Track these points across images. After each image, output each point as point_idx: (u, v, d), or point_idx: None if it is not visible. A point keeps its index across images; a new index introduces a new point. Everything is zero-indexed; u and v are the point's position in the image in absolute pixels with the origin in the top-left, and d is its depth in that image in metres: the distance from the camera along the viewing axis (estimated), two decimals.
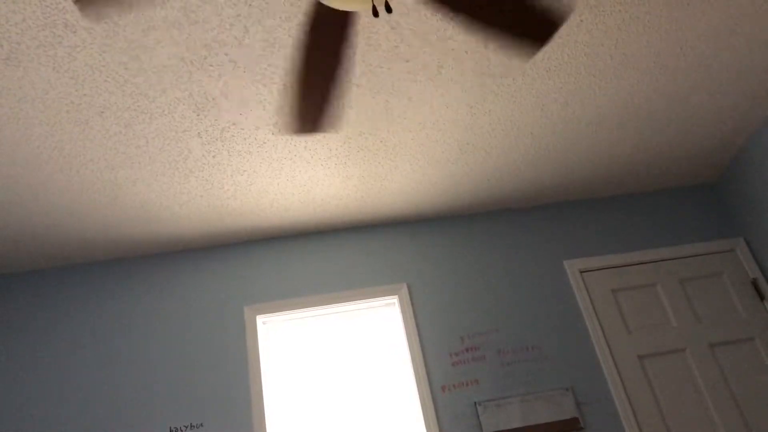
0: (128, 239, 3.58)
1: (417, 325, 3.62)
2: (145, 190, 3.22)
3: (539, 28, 2.08)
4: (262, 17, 2.42)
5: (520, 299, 3.75)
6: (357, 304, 3.69)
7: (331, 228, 3.90)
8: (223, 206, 3.47)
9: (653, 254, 3.97)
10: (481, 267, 3.85)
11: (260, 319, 3.60)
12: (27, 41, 2.30)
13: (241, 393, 3.36)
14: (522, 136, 3.46)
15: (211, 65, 2.58)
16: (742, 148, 4.02)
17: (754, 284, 3.91)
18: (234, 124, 2.92)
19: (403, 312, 3.64)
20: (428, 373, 3.48)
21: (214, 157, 3.10)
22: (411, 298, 3.71)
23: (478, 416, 3.36)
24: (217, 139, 2.99)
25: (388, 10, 1.59)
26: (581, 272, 3.89)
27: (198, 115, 2.83)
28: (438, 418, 3.35)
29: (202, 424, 3.27)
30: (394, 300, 3.73)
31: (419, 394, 3.40)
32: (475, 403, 3.41)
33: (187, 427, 3.26)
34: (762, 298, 3.87)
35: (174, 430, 3.26)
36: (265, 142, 3.08)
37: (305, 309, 3.63)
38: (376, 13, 1.61)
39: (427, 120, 3.18)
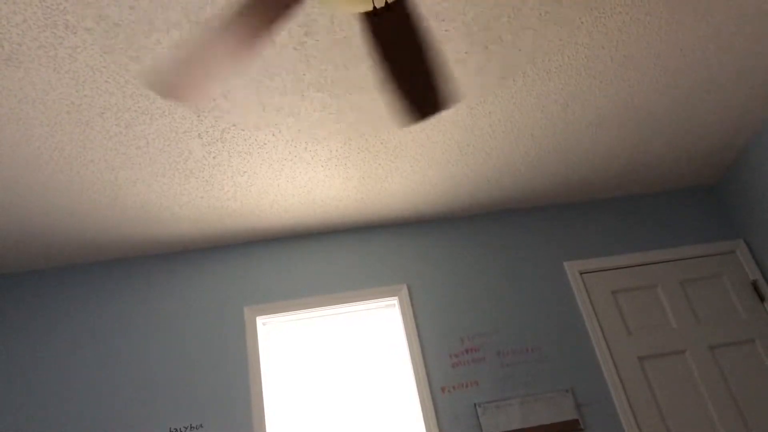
0: (128, 240, 3.58)
1: (417, 326, 3.63)
2: (145, 190, 3.22)
3: (427, 104, 2.17)
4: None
5: (520, 300, 3.75)
6: (357, 305, 3.69)
7: (331, 229, 3.90)
8: (224, 207, 3.47)
9: (653, 256, 3.97)
10: (481, 268, 3.85)
11: (260, 320, 3.60)
12: (28, 42, 2.30)
13: (241, 394, 3.36)
14: (522, 138, 3.46)
15: (221, 76, 2.57)
16: (743, 149, 4.02)
17: (754, 286, 3.91)
18: (234, 125, 2.92)
19: (403, 313, 3.64)
20: (428, 374, 3.48)
21: (214, 158, 3.10)
22: (411, 299, 3.71)
23: (477, 417, 3.36)
24: (217, 140, 2.99)
25: (388, 11, 1.59)
26: (581, 273, 3.89)
27: (198, 116, 2.83)
28: (438, 419, 3.35)
29: (201, 425, 3.27)
30: (394, 301, 3.73)
31: (419, 395, 3.40)
32: (474, 404, 3.41)
33: (186, 428, 3.26)
34: (762, 299, 3.87)
35: (174, 430, 3.26)
36: (265, 143, 3.08)
37: (305, 310, 3.63)
38: (376, 14, 1.61)
39: (427, 122, 3.18)
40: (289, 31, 2.50)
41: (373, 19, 1.82)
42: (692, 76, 3.28)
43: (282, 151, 3.16)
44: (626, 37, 2.92)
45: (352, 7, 1.70)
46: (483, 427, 3.33)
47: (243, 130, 2.97)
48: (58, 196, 3.13)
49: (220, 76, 2.00)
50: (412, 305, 3.69)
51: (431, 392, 3.43)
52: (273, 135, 3.04)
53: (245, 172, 3.24)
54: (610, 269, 3.92)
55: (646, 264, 3.96)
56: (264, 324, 3.63)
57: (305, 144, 3.15)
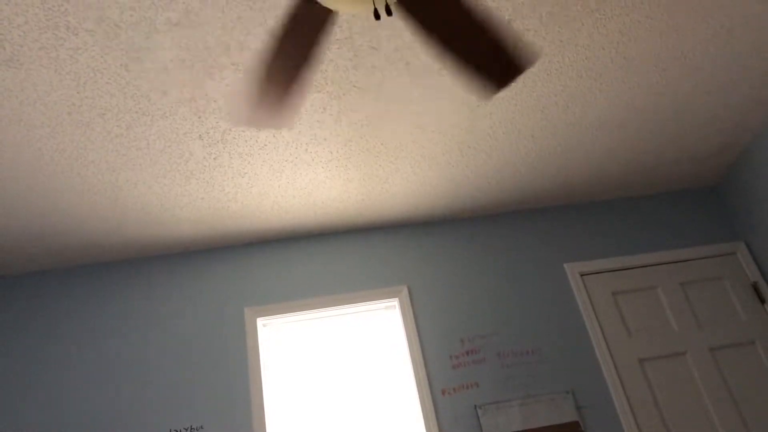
0: (129, 241, 3.58)
1: (417, 327, 3.62)
2: (146, 192, 3.22)
3: (505, 70, 2.11)
4: (264, 20, 2.42)
5: (521, 302, 3.75)
6: (357, 306, 3.69)
7: (331, 230, 3.90)
8: (224, 208, 3.48)
9: (654, 257, 3.97)
10: (481, 270, 3.85)
11: (261, 321, 3.60)
12: (29, 43, 2.30)
13: (241, 395, 3.36)
14: (522, 139, 3.46)
15: (213, 67, 2.58)
16: (743, 151, 4.02)
17: (755, 288, 3.91)
18: (235, 126, 2.92)
19: (404, 314, 3.64)
20: (428, 376, 3.48)
21: (215, 159, 3.10)
22: (411, 301, 3.71)
23: (478, 419, 3.36)
24: (218, 142, 3.00)
25: (389, 13, 1.60)
26: (582, 275, 3.89)
27: (199, 118, 2.83)
28: (438, 420, 3.35)
29: (202, 427, 3.27)
30: (394, 302, 3.73)
31: (419, 396, 3.39)
32: (475, 406, 3.40)
33: (187, 429, 3.26)
34: (762, 301, 3.87)
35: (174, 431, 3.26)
36: (266, 145, 3.08)
37: (306, 311, 3.63)
38: (377, 16, 1.61)
39: (428, 122, 3.19)
40: None
41: (382, 15, 1.82)
42: (692, 78, 3.28)
43: (283, 152, 3.16)
44: (627, 38, 2.93)
45: (352, 7, 1.70)
46: (483, 428, 3.33)
47: (244, 132, 2.97)
48: (58, 198, 3.13)
49: (293, 93, 2.04)
50: (413, 306, 3.69)
51: (431, 394, 3.43)
52: (274, 136, 3.04)
53: (246, 173, 3.24)
54: (610, 271, 3.92)
55: (647, 266, 3.96)
56: (264, 325, 3.63)
57: (306, 145, 3.15)
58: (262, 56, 2.01)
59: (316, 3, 1.79)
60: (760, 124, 3.80)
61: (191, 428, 3.27)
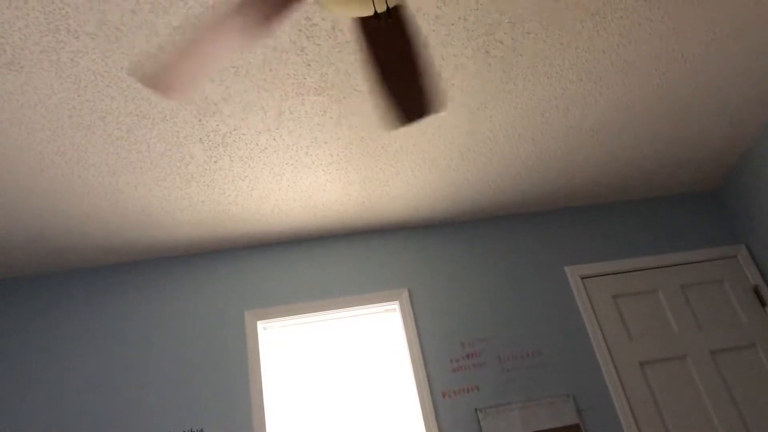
0: (129, 244, 3.58)
1: (418, 330, 3.62)
2: (146, 195, 3.22)
3: (416, 107, 2.20)
4: None
5: (521, 305, 3.75)
6: (358, 309, 3.69)
7: (332, 233, 3.90)
8: (225, 211, 3.48)
9: (654, 260, 3.97)
10: (482, 273, 3.85)
11: (261, 325, 3.60)
12: (30, 46, 2.31)
13: (241, 398, 3.36)
14: (523, 142, 3.47)
15: (213, 71, 2.58)
16: (744, 154, 4.02)
17: (756, 291, 3.91)
18: (236, 129, 2.93)
19: (404, 317, 3.64)
20: (429, 379, 3.47)
21: (215, 162, 3.10)
22: (412, 304, 3.71)
23: (478, 422, 3.35)
24: (218, 145, 3.00)
25: (390, 16, 1.60)
26: (582, 278, 3.88)
27: (200, 121, 2.83)
28: (438, 424, 3.35)
29: (202, 430, 3.27)
30: (395, 305, 3.73)
31: (420, 399, 3.39)
32: (475, 409, 3.40)
33: None
34: (763, 304, 3.86)
35: None
36: (266, 148, 3.09)
37: (306, 314, 3.63)
38: (378, 19, 1.61)
39: (429, 126, 3.19)
40: (290, 36, 2.51)
41: (372, 22, 1.83)
42: (693, 81, 3.29)
43: (283, 155, 3.16)
44: (627, 41, 2.93)
45: (353, 11, 1.71)
46: (484, 431, 3.33)
47: (244, 135, 2.98)
48: (59, 200, 3.13)
49: (211, 69, 2.03)
50: (413, 310, 3.69)
51: (432, 397, 3.42)
52: (274, 139, 3.05)
53: (246, 176, 3.24)
54: (611, 274, 3.92)
55: (647, 269, 3.95)
56: (265, 328, 3.63)
57: (306, 148, 3.16)
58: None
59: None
60: (760, 128, 3.80)
61: (191, 431, 3.26)
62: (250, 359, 3.46)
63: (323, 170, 3.33)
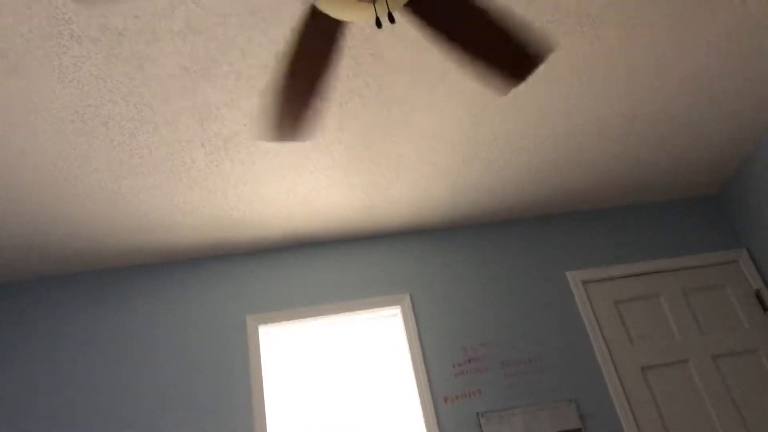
0: (131, 249, 3.58)
1: (419, 335, 3.62)
2: (148, 199, 3.23)
3: (520, 63, 2.10)
4: (266, 28, 2.43)
5: (523, 310, 3.75)
6: (359, 314, 3.68)
7: (333, 238, 3.90)
8: (226, 216, 3.48)
9: (656, 265, 3.96)
10: (483, 278, 3.85)
11: (262, 329, 3.60)
12: (33, 51, 2.32)
13: (242, 403, 3.35)
14: (524, 148, 3.47)
15: (215, 75, 2.59)
16: (745, 158, 4.02)
17: (758, 295, 3.90)
18: (237, 134, 2.94)
19: (406, 322, 3.64)
20: (431, 384, 3.47)
21: (217, 167, 3.11)
22: (414, 309, 3.71)
23: (480, 427, 3.35)
24: (220, 149, 3.00)
25: (391, 20, 1.61)
26: (584, 283, 3.88)
27: (202, 125, 2.84)
28: (440, 429, 3.34)
29: None
30: (396, 310, 3.72)
31: (422, 404, 3.39)
32: (477, 414, 3.39)
33: None
34: (765, 309, 3.85)
35: None
36: (268, 152, 3.09)
37: (307, 319, 3.63)
38: (379, 24, 1.62)
39: (430, 131, 3.19)
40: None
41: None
42: (694, 86, 3.29)
43: (285, 160, 3.17)
44: (628, 47, 2.93)
45: (354, 16, 1.71)
46: None
47: (246, 140, 2.98)
48: (61, 205, 3.14)
49: (313, 105, 2.07)
50: (415, 314, 3.69)
51: (434, 402, 3.42)
52: (276, 144, 3.05)
53: (248, 181, 3.25)
54: (612, 279, 3.92)
55: (649, 273, 3.95)
56: (266, 333, 3.63)
57: (308, 153, 3.16)
58: (279, 74, 2.03)
59: (324, 15, 1.80)
60: (761, 132, 3.81)
61: None
62: (252, 364, 3.45)
63: (325, 175, 3.34)
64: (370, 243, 3.93)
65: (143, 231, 3.46)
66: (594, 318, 3.74)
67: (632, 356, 3.65)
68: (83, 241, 3.43)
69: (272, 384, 3.47)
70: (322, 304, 3.68)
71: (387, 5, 1.65)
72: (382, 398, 3.46)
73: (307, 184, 3.38)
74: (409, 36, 2.62)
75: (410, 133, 3.18)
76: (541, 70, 2.95)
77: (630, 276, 3.93)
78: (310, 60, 1.91)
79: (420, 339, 3.61)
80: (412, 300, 3.74)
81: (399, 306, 3.70)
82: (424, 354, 3.56)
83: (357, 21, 1.76)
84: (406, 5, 1.65)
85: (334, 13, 1.72)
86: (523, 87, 3.03)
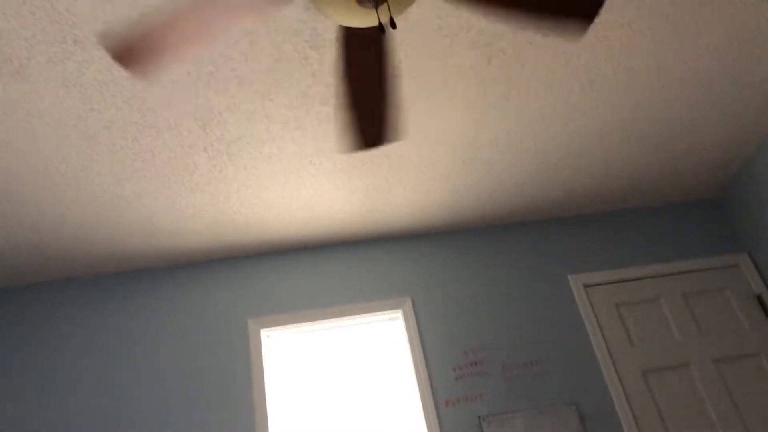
0: (134, 252, 3.59)
1: (421, 339, 3.62)
2: (151, 203, 3.24)
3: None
4: (269, 33, 2.44)
5: (524, 314, 3.75)
6: (361, 317, 3.69)
7: (335, 242, 3.91)
8: (229, 220, 3.49)
9: (657, 269, 3.97)
10: (485, 281, 3.85)
11: (264, 333, 3.61)
12: (37, 56, 2.33)
13: (244, 406, 3.36)
14: (525, 151, 3.48)
15: (218, 80, 2.60)
16: (746, 162, 4.03)
17: (759, 299, 3.90)
18: (240, 138, 2.94)
19: (407, 326, 3.64)
20: (432, 387, 3.47)
21: (220, 171, 3.12)
22: (415, 312, 3.71)
23: (482, 430, 3.35)
24: (223, 154, 3.01)
25: (393, 26, 1.62)
26: (585, 287, 3.88)
27: (204, 130, 2.85)
28: None
29: None
30: (398, 314, 3.73)
31: (423, 408, 3.39)
32: (478, 417, 3.40)
33: None
34: (766, 313, 3.86)
35: None
36: (270, 157, 3.10)
37: (309, 323, 3.63)
38: (382, 29, 1.63)
39: (431, 134, 3.20)
40: (294, 45, 2.53)
41: (358, 38, 1.84)
42: (695, 90, 3.30)
43: (287, 164, 3.18)
44: (628, 51, 2.94)
45: (357, 21, 1.72)
46: None
47: (248, 144, 2.99)
48: (64, 209, 3.15)
49: (387, 109, 2.06)
50: (416, 318, 3.69)
51: (435, 405, 3.42)
52: (278, 148, 3.06)
53: (250, 185, 3.26)
54: (613, 282, 3.92)
55: (650, 277, 3.95)
56: (268, 336, 3.63)
57: (310, 157, 3.17)
58: (343, 99, 2.04)
59: (361, 28, 1.80)
60: (762, 135, 3.81)
61: None
62: (254, 367, 3.46)
63: (327, 179, 3.35)
64: (372, 246, 3.93)
65: (146, 235, 3.47)
66: (595, 321, 3.74)
67: (633, 360, 3.65)
68: (85, 245, 3.44)
69: (274, 387, 3.48)
70: (323, 307, 3.69)
71: (389, 11, 1.66)
72: (383, 402, 3.46)
73: (309, 188, 3.39)
74: (410, 40, 2.63)
75: (411, 136, 3.19)
76: (541, 73, 2.96)
77: (631, 279, 3.94)
78: (362, 72, 1.92)
79: (421, 342, 3.61)
80: (413, 303, 3.74)
81: (400, 309, 3.71)
82: (425, 357, 3.56)
83: (360, 26, 1.77)
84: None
85: (337, 18, 1.73)
86: (523, 89, 3.04)
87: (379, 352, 3.62)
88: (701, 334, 3.78)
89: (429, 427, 3.33)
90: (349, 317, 3.67)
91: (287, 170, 3.22)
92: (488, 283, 3.85)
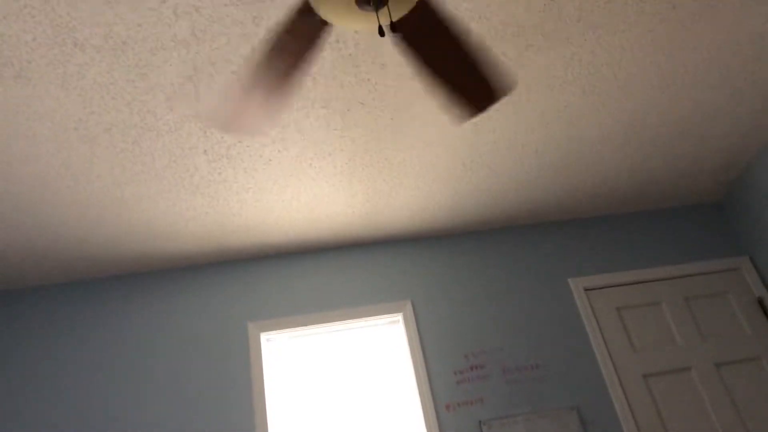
0: (134, 255, 3.59)
1: (421, 342, 3.62)
2: (151, 206, 3.23)
3: (482, 96, 2.17)
4: (270, 36, 2.44)
5: (525, 317, 3.74)
6: (361, 321, 3.68)
7: (335, 245, 3.90)
8: (229, 223, 3.49)
9: (658, 272, 3.96)
10: (485, 285, 3.85)
11: (264, 336, 3.60)
12: (37, 59, 2.33)
13: (244, 409, 3.35)
14: (526, 154, 3.47)
15: (218, 83, 2.60)
16: (748, 166, 4.02)
17: (760, 303, 3.89)
18: (240, 141, 2.94)
19: (408, 329, 3.63)
20: (432, 391, 3.46)
21: (220, 174, 3.11)
22: (415, 316, 3.70)
23: None
24: (223, 157, 3.01)
25: (393, 30, 1.61)
26: (586, 290, 3.88)
27: (204, 133, 2.85)
28: None
29: None
30: (398, 317, 3.72)
31: (423, 412, 3.38)
32: (479, 421, 3.39)
33: None
34: None
35: None
36: (270, 160, 3.10)
37: (309, 326, 3.62)
38: (382, 33, 1.63)
39: (432, 137, 3.20)
40: None
41: (405, 26, 1.85)
42: (696, 94, 3.29)
43: (287, 167, 3.18)
44: (630, 55, 2.94)
45: (357, 24, 1.72)
46: None
47: (248, 147, 2.99)
48: (64, 212, 3.14)
49: (271, 108, 2.07)
50: (417, 322, 3.69)
51: (435, 409, 3.41)
52: (278, 151, 3.06)
53: (250, 188, 3.25)
54: (614, 286, 3.91)
55: (651, 281, 3.95)
56: (268, 340, 3.63)
57: (310, 160, 3.17)
58: (252, 61, 2.06)
59: (315, 15, 1.81)
60: (764, 139, 3.81)
61: None
62: (253, 370, 3.45)
63: (327, 182, 3.34)
64: (372, 250, 3.93)
65: (145, 238, 3.46)
66: (596, 325, 3.73)
67: (634, 363, 3.64)
68: (85, 248, 3.44)
69: (274, 391, 3.47)
70: (323, 311, 3.68)
71: (389, 14, 1.65)
72: (383, 405, 3.45)
73: (309, 191, 3.38)
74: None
75: (412, 139, 3.18)
76: (543, 76, 2.95)
77: (632, 283, 3.93)
78: (286, 55, 1.93)
79: (422, 346, 3.60)
80: (413, 307, 3.74)
81: (401, 313, 3.70)
82: (425, 361, 3.56)
83: (360, 29, 1.77)
84: (392, 28, 1.68)
85: (337, 21, 1.72)
86: (524, 93, 3.03)
87: (379, 355, 3.61)
88: (703, 337, 3.77)
89: (429, 431, 3.32)
90: (349, 320, 3.66)
91: (287, 173, 3.21)
92: (489, 287, 3.84)
